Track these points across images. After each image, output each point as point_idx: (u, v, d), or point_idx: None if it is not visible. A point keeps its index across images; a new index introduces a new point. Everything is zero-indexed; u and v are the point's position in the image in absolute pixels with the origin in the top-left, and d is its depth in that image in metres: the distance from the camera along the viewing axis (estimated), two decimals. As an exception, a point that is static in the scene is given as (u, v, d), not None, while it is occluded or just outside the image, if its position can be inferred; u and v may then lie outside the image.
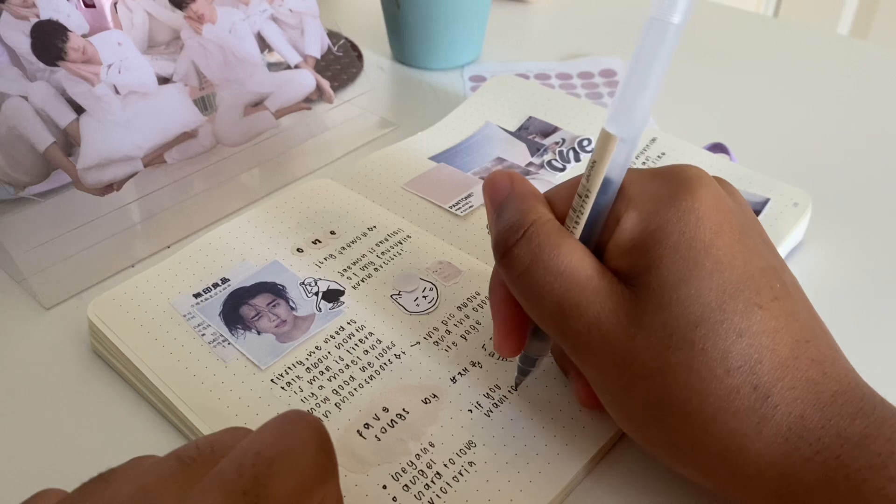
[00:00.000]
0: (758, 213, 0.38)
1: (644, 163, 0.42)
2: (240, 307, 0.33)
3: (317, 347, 0.31)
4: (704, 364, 0.22)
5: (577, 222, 0.24)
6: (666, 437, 0.23)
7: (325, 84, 0.47)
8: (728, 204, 0.24)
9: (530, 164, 0.43)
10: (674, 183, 0.24)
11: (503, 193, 0.26)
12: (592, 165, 0.24)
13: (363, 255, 0.36)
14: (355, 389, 0.30)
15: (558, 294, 0.23)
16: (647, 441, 0.24)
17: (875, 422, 0.21)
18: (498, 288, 0.27)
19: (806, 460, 0.21)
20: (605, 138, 0.23)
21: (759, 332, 0.22)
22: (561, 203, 0.26)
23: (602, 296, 0.23)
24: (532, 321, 0.27)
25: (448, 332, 0.32)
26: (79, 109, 0.38)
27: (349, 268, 0.35)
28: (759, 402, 0.21)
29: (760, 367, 0.21)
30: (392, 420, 0.28)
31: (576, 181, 0.26)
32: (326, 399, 0.29)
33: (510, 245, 0.24)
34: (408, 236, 0.37)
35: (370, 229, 0.37)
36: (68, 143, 0.38)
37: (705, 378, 0.22)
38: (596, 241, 0.25)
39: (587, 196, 0.24)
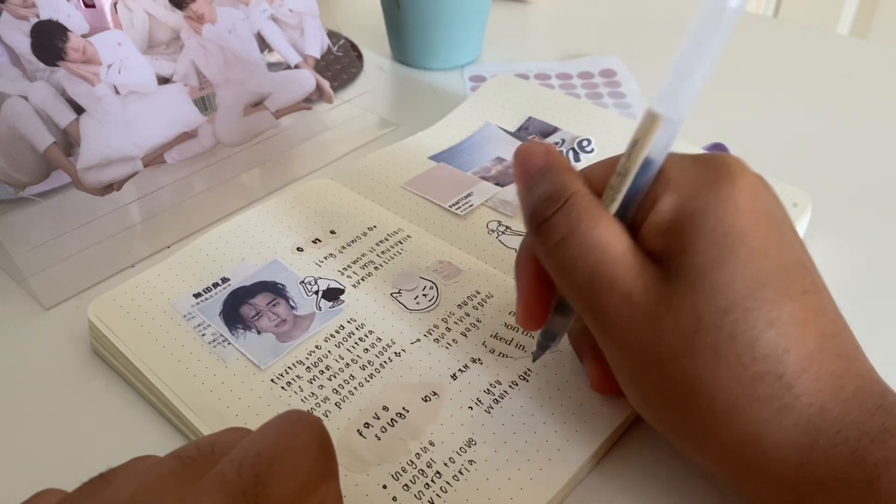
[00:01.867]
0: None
1: (644, 162, 0.42)
2: (240, 307, 0.33)
3: (317, 346, 0.31)
4: (732, 350, 0.22)
5: (613, 199, 0.24)
6: (684, 421, 0.23)
7: (325, 84, 0.47)
8: (765, 196, 0.24)
9: (530, 163, 0.43)
10: (714, 169, 0.24)
11: (538, 164, 0.26)
12: (634, 144, 0.23)
13: (363, 255, 0.36)
14: (355, 388, 0.29)
15: (592, 267, 0.23)
16: (663, 425, 0.24)
17: (894, 418, 0.21)
18: (526, 261, 0.27)
19: (823, 453, 0.21)
20: (651, 117, 0.23)
21: (788, 322, 0.22)
22: (596, 181, 0.26)
23: (634, 273, 0.23)
24: (555, 296, 0.27)
25: (448, 329, 0.32)
26: (79, 109, 0.38)
27: (349, 267, 0.35)
28: (782, 391, 0.21)
29: (787, 357, 0.22)
30: (392, 419, 0.28)
31: (612, 161, 0.26)
32: (326, 398, 0.29)
33: (548, 214, 0.24)
34: (408, 236, 0.37)
35: (370, 229, 0.37)
36: (68, 143, 0.38)
37: (731, 364, 0.22)
38: (631, 220, 0.25)
39: (626, 174, 0.24)
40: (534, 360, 0.30)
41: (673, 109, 0.23)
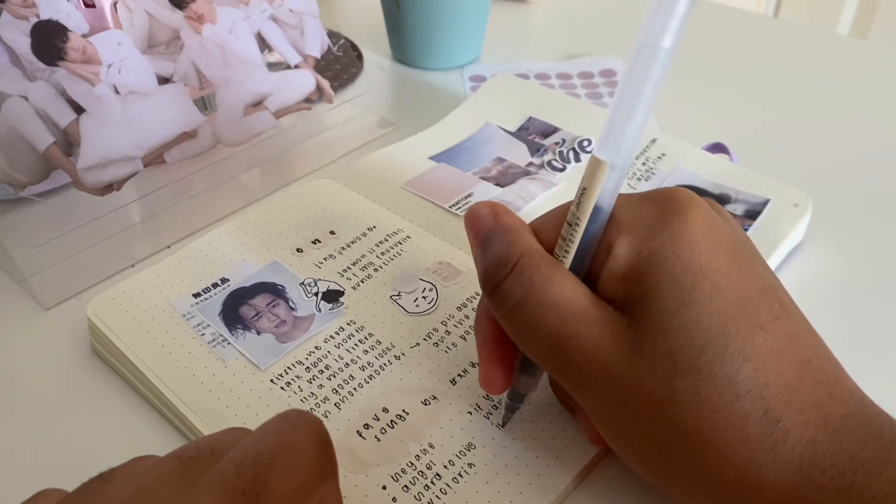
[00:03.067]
0: (757, 214, 0.38)
1: (644, 163, 0.42)
2: (239, 307, 0.33)
3: (316, 347, 0.31)
4: (714, 391, 0.21)
5: (566, 251, 0.24)
6: (677, 468, 0.22)
7: (325, 84, 0.47)
8: (720, 224, 0.23)
9: (530, 164, 0.43)
10: (664, 206, 0.23)
11: (487, 226, 0.25)
12: (582, 192, 0.23)
13: (363, 256, 0.36)
14: (355, 389, 0.30)
15: (554, 327, 0.23)
16: (656, 475, 0.24)
17: (885, 447, 0.21)
18: (483, 322, 0.26)
19: (821, 488, 0.21)
20: (595, 165, 0.23)
21: (762, 354, 0.21)
22: (547, 233, 0.25)
23: (600, 325, 0.22)
24: (519, 356, 0.26)
25: (448, 332, 0.32)
26: (79, 109, 0.38)
27: (349, 268, 0.35)
28: (770, 427, 0.21)
29: (768, 391, 0.21)
30: (392, 421, 0.28)
31: (560, 210, 0.25)
32: (326, 399, 0.29)
33: (499, 280, 0.24)
34: (408, 237, 0.37)
35: (370, 229, 0.37)
36: (68, 143, 0.38)
37: (716, 405, 0.21)
38: (587, 270, 0.24)
39: (577, 224, 0.23)
40: (503, 426, 0.28)
41: (616, 155, 0.22)
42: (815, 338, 0.23)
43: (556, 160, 0.43)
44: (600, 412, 0.24)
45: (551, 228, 0.25)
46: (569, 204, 0.24)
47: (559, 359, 0.23)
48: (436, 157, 0.43)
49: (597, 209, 0.23)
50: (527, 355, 0.25)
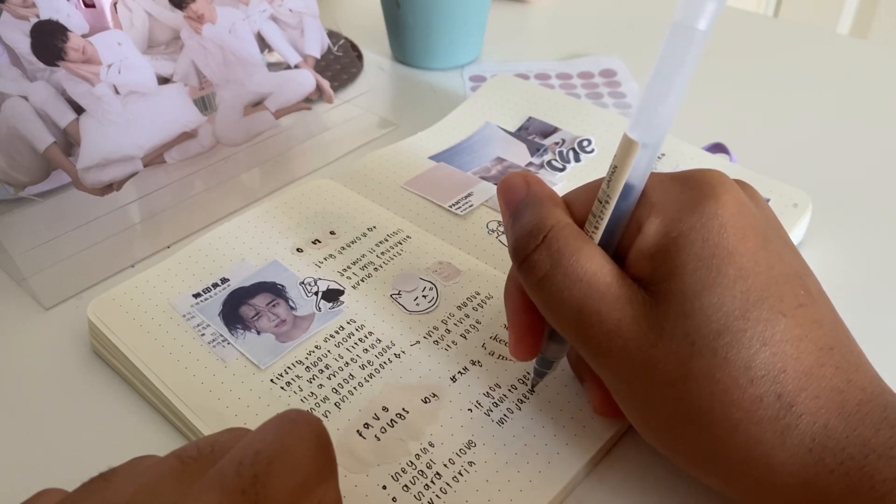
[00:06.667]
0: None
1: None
2: (239, 307, 0.33)
3: (316, 347, 0.31)
4: (727, 373, 0.21)
5: (596, 227, 0.24)
6: (688, 445, 0.23)
7: (325, 84, 0.47)
8: (751, 209, 0.24)
9: (530, 164, 0.43)
10: (697, 188, 0.23)
11: (519, 196, 0.26)
12: (613, 171, 0.23)
13: (363, 255, 0.36)
14: (355, 388, 0.30)
15: (578, 300, 0.23)
16: (668, 449, 0.24)
17: None
18: (513, 293, 0.27)
19: (830, 471, 0.21)
20: (627, 144, 0.23)
21: (782, 340, 0.22)
22: (579, 207, 0.25)
23: (623, 302, 0.23)
24: (548, 324, 0.27)
25: (448, 331, 0.32)
26: (79, 109, 0.38)
27: (349, 267, 0.35)
28: (782, 412, 0.21)
29: (784, 377, 0.21)
30: (392, 420, 0.28)
31: (595, 185, 0.25)
32: (326, 398, 0.29)
33: (529, 250, 0.24)
34: (408, 237, 0.37)
35: (370, 230, 0.37)
36: (68, 143, 0.38)
37: (728, 387, 0.21)
38: (615, 246, 0.24)
39: (608, 201, 0.24)
40: (531, 388, 0.29)
41: (648, 134, 0.23)
42: (840, 326, 0.23)
43: (555, 160, 0.43)
44: (617, 386, 0.24)
45: (584, 202, 0.25)
46: (601, 180, 0.24)
47: (581, 332, 0.23)
48: (436, 157, 0.43)
49: (627, 188, 0.23)
50: (551, 324, 0.25)
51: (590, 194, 0.25)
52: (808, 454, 0.21)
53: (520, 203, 0.26)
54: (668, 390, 0.22)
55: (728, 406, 0.21)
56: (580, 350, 0.24)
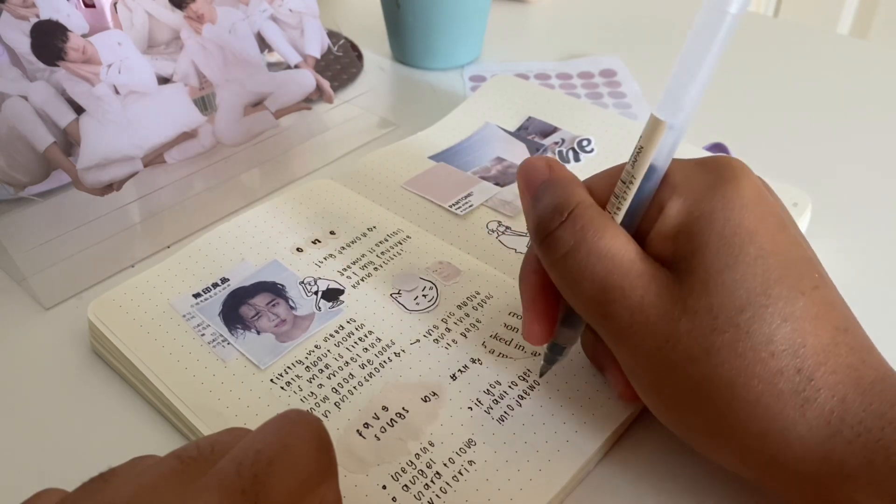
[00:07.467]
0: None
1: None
2: (239, 307, 0.33)
3: (316, 346, 0.31)
4: (750, 347, 0.22)
5: (619, 208, 0.25)
6: (706, 421, 0.23)
7: (325, 84, 0.47)
8: (768, 196, 0.24)
9: (530, 163, 0.43)
10: (718, 172, 0.24)
11: (541, 177, 0.26)
12: (639, 151, 0.24)
13: (363, 255, 0.36)
14: (354, 388, 0.30)
15: (601, 277, 0.23)
16: (685, 427, 0.24)
17: None
18: (530, 275, 0.27)
19: (847, 443, 0.21)
20: (654, 124, 0.23)
21: (801, 317, 0.22)
22: (600, 190, 0.26)
23: (646, 279, 0.23)
24: (562, 310, 0.27)
25: (448, 329, 0.32)
26: (79, 109, 0.38)
27: (349, 267, 0.35)
28: (802, 385, 0.22)
29: (804, 351, 0.22)
30: (391, 419, 0.28)
31: (615, 170, 0.26)
32: (326, 398, 0.29)
33: (553, 227, 0.24)
34: (407, 237, 0.37)
35: (370, 229, 0.37)
36: (68, 143, 0.38)
37: (750, 361, 0.22)
38: (637, 227, 0.25)
39: (631, 182, 0.24)
40: (540, 376, 0.30)
41: (676, 115, 0.23)
42: (850, 311, 0.24)
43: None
44: (635, 365, 0.24)
45: (604, 187, 0.26)
46: (622, 165, 0.25)
47: (602, 308, 0.24)
48: (435, 157, 0.43)
49: (652, 168, 0.24)
50: (570, 304, 0.25)
51: (609, 179, 0.26)
52: (826, 427, 0.21)
53: (542, 183, 0.26)
54: (690, 366, 0.23)
55: (750, 378, 0.22)
56: (599, 329, 0.25)
